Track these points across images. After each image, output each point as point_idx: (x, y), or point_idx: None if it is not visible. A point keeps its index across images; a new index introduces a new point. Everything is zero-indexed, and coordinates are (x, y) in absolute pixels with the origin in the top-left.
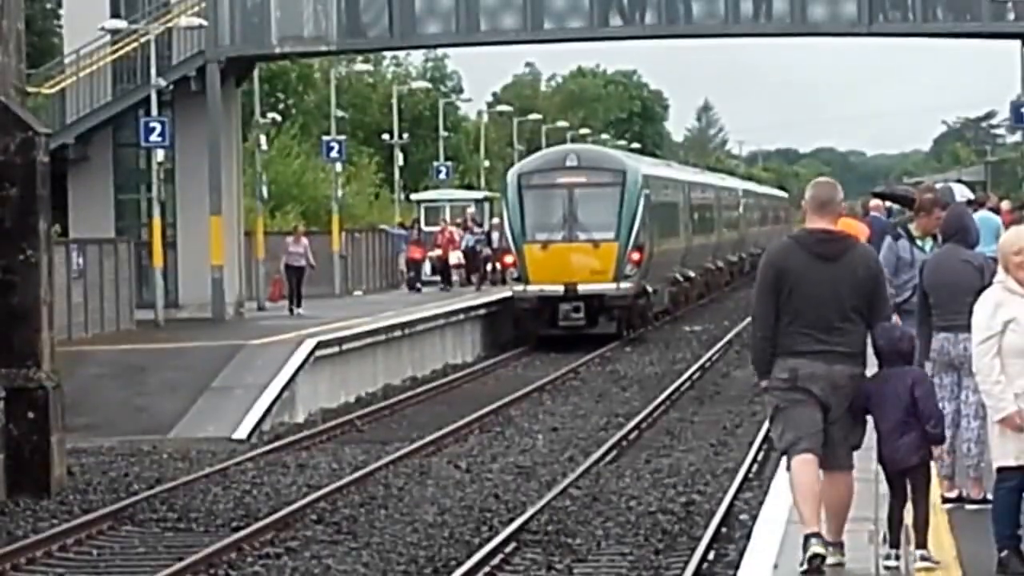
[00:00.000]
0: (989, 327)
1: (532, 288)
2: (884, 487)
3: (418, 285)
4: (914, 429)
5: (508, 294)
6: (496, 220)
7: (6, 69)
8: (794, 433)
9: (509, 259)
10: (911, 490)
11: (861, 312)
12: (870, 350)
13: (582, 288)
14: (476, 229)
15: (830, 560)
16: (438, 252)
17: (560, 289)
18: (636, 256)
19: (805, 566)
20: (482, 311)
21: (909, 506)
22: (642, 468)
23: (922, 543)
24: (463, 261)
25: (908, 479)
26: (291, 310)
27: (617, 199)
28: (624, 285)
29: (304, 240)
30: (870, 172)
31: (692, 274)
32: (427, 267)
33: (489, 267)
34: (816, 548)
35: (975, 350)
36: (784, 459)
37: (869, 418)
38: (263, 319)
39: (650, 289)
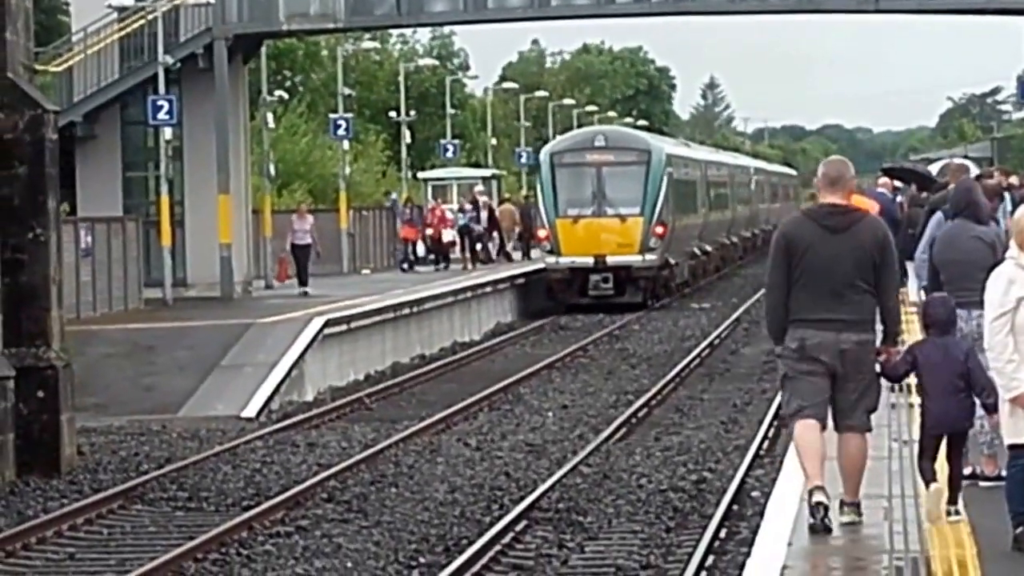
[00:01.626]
0: (1002, 304)
1: (564, 260)
2: (895, 464)
3: (408, 265)
4: (965, 395)
5: (540, 266)
6: (484, 198)
7: (14, 47)
8: (799, 402)
9: (542, 233)
10: (949, 450)
11: (868, 281)
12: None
13: (610, 260)
14: (467, 207)
15: (846, 519)
16: (431, 231)
17: (590, 261)
18: (660, 230)
19: (810, 519)
20: (519, 280)
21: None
22: (652, 446)
23: (954, 499)
24: (457, 239)
25: (948, 440)
26: (304, 291)
27: (642, 177)
28: (649, 257)
29: (309, 218)
30: (876, 149)
31: (709, 248)
32: (420, 247)
33: (479, 246)
34: (819, 497)
35: (987, 327)
36: (789, 423)
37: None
38: (271, 297)
39: (672, 261)
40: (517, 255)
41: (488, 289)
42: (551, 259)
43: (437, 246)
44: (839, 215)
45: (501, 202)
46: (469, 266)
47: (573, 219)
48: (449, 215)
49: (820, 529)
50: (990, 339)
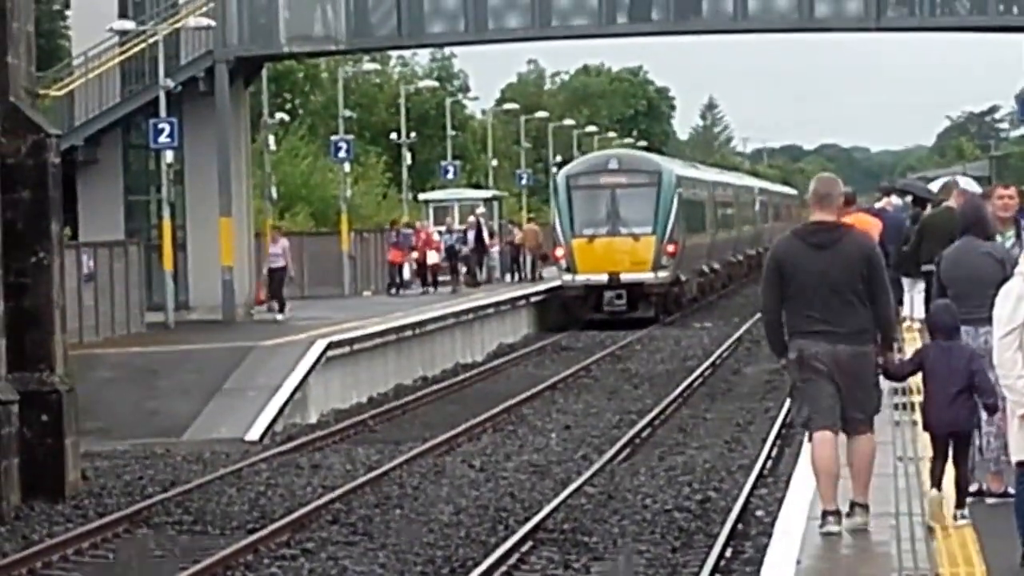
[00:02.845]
0: (1011, 320)
1: (580, 277)
2: (902, 482)
3: (395, 289)
4: (969, 398)
5: (556, 284)
6: (472, 219)
7: (16, 71)
8: (809, 408)
9: (559, 252)
10: (954, 453)
11: (858, 293)
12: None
13: (624, 277)
14: (455, 228)
15: (859, 519)
16: (416, 254)
17: (604, 278)
18: (671, 248)
19: (821, 530)
20: (535, 298)
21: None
22: (656, 466)
23: (961, 503)
24: (442, 263)
25: (953, 442)
26: (276, 319)
27: (654, 198)
28: (661, 274)
29: (282, 241)
30: (874, 168)
31: (717, 266)
32: (407, 270)
33: (464, 269)
34: (831, 527)
35: (996, 344)
36: (806, 434)
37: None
38: (274, 321)
39: (683, 278)
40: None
41: (491, 311)
42: (567, 276)
43: (423, 268)
44: (824, 232)
45: (517, 223)
46: (456, 288)
47: (588, 238)
48: (436, 237)
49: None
50: (999, 356)
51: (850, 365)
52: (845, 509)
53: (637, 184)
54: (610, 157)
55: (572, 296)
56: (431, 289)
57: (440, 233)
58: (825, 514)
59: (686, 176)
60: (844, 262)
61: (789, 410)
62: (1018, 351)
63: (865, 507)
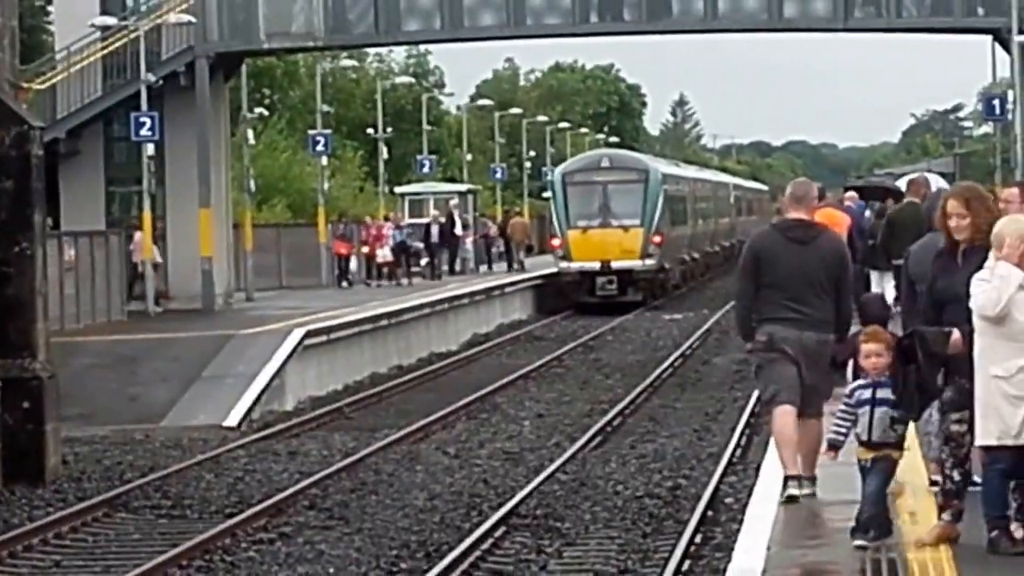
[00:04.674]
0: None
1: (574, 264)
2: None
3: (347, 281)
4: None
5: (552, 270)
6: (435, 211)
7: (0, 65)
8: (775, 386)
9: (556, 242)
10: None
11: (827, 288)
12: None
13: (615, 264)
14: (404, 223)
15: (805, 491)
16: (366, 249)
17: (597, 265)
18: (657, 239)
19: (784, 496)
20: (534, 282)
21: None
22: (627, 453)
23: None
24: (390, 258)
25: None
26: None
27: (642, 193)
28: (648, 262)
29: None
30: (841, 164)
31: (696, 255)
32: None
33: (424, 261)
34: (792, 490)
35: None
36: (768, 408)
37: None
38: (252, 309)
39: (667, 266)
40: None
41: (465, 301)
42: (563, 264)
43: (371, 263)
44: (804, 228)
45: (509, 214)
46: (404, 281)
47: (582, 229)
48: (386, 231)
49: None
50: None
51: (814, 350)
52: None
53: (627, 181)
54: (602, 156)
55: (568, 282)
56: (380, 283)
57: (394, 228)
58: (787, 479)
59: (670, 174)
60: (819, 258)
61: (759, 396)
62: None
63: (812, 479)
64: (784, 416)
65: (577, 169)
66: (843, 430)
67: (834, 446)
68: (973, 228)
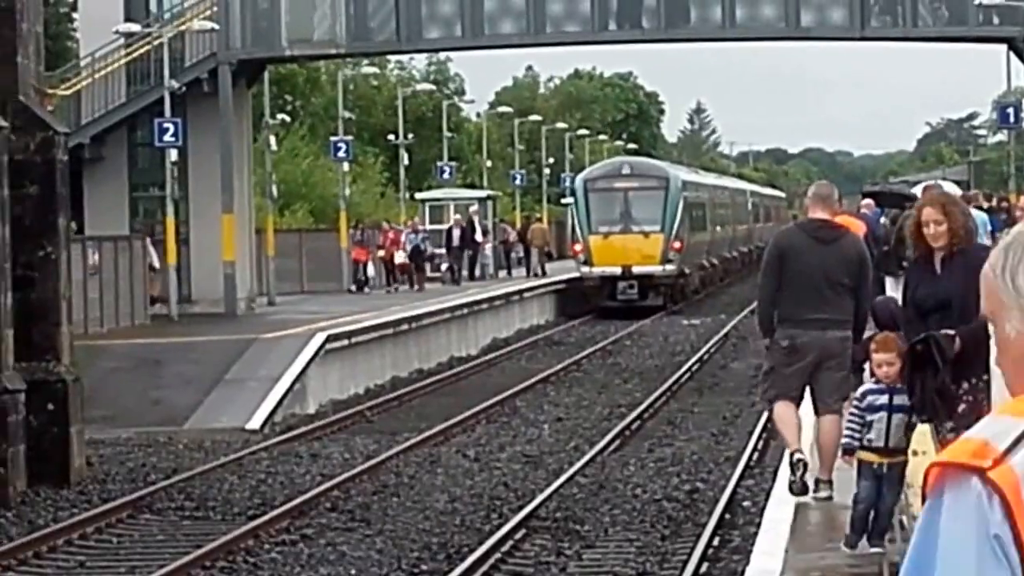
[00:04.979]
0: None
1: (596, 269)
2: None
3: (365, 286)
4: None
5: (573, 275)
6: (457, 216)
7: (26, 71)
8: (776, 391)
9: (578, 247)
10: None
11: (848, 288)
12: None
13: (636, 269)
14: (420, 228)
15: (822, 494)
16: (383, 253)
17: (618, 270)
18: (677, 245)
19: (791, 476)
20: (554, 287)
21: None
22: (646, 457)
23: None
24: (406, 262)
25: None
26: None
27: (662, 199)
28: (668, 267)
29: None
30: (856, 172)
31: (715, 261)
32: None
33: (444, 266)
34: (797, 455)
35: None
36: (769, 404)
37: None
38: (274, 313)
39: (687, 271)
40: (512, 272)
41: (485, 306)
42: (585, 269)
43: (389, 267)
44: (828, 229)
45: (529, 220)
46: (423, 287)
47: (604, 235)
48: (403, 236)
49: (798, 489)
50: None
51: (835, 348)
52: (807, 453)
53: (647, 187)
54: (623, 163)
55: (590, 286)
56: (395, 288)
57: (410, 233)
58: (792, 453)
59: (690, 180)
60: (842, 258)
61: (762, 392)
62: None
63: (829, 482)
64: (784, 407)
65: (599, 176)
66: (856, 434)
67: (850, 451)
68: (950, 234)
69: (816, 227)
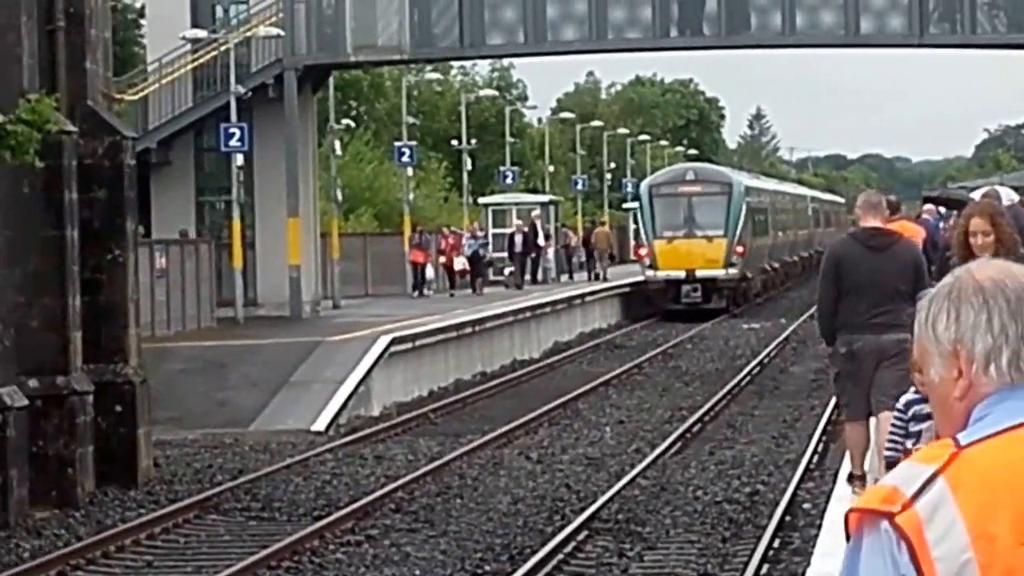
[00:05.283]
0: None
1: (660, 273)
2: None
3: (424, 290)
4: None
5: (637, 279)
6: (519, 222)
7: (94, 77)
8: (848, 396)
9: (643, 251)
10: None
11: (904, 293)
12: None
13: (699, 273)
14: (479, 233)
15: None
16: (443, 258)
17: (682, 274)
18: (740, 249)
19: (850, 487)
20: (616, 291)
21: None
22: (706, 459)
23: None
24: (468, 267)
25: None
26: None
27: (725, 204)
28: (731, 271)
29: None
30: (915, 177)
31: (776, 265)
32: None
33: (507, 271)
34: (856, 484)
35: None
36: (845, 414)
37: None
38: (338, 316)
39: (749, 275)
40: (574, 276)
41: (547, 309)
42: (650, 272)
43: (449, 272)
44: (881, 236)
45: (593, 225)
46: (482, 291)
47: (668, 239)
48: (463, 243)
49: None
50: None
51: (892, 349)
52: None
53: (711, 193)
54: (687, 169)
55: (654, 289)
56: (454, 292)
57: (469, 238)
58: (852, 477)
59: (752, 186)
60: (897, 264)
61: (836, 400)
62: None
63: None
64: (856, 427)
65: (664, 182)
66: (899, 447)
67: (893, 464)
68: (997, 245)
69: (869, 235)
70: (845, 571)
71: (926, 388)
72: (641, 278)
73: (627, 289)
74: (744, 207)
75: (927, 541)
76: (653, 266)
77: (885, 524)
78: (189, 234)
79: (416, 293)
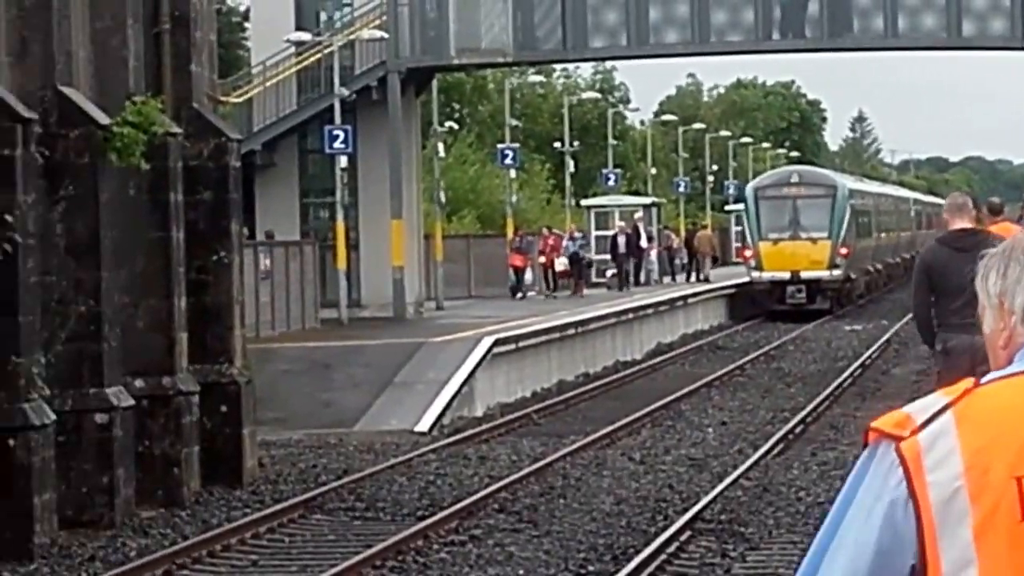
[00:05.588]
0: None
1: (766, 274)
2: None
3: (521, 292)
4: None
5: (742, 280)
6: (622, 223)
7: (199, 79)
8: None
9: (748, 253)
10: None
11: None
12: None
13: (804, 275)
14: (578, 235)
15: None
16: (543, 259)
17: (787, 275)
18: (844, 251)
19: None
20: (718, 293)
21: None
22: (809, 460)
23: None
24: (568, 268)
25: None
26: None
27: (829, 207)
28: (835, 272)
29: None
30: (1017, 179)
31: (879, 266)
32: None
33: (609, 273)
34: None
35: None
36: None
37: None
38: (442, 318)
39: (853, 276)
40: (676, 278)
41: (649, 311)
42: (755, 273)
43: (549, 273)
44: (967, 237)
45: (696, 227)
46: (582, 292)
47: (773, 241)
48: (563, 244)
49: None
50: None
51: (986, 354)
52: None
53: (815, 195)
54: (792, 172)
55: (760, 290)
56: (555, 294)
57: (568, 239)
58: None
59: (856, 189)
60: None
61: None
62: None
63: None
64: None
65: (769, 184)
66: None
67: None
68: None
69: (955, 237)
70: (851, 481)
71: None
72: (745, 279)
73: (730, 291)
74: (848, 209)
75: (924, 467)
76: (758, 267)
77: (892, 448)
78: (275, 235)
79: (518, 296)
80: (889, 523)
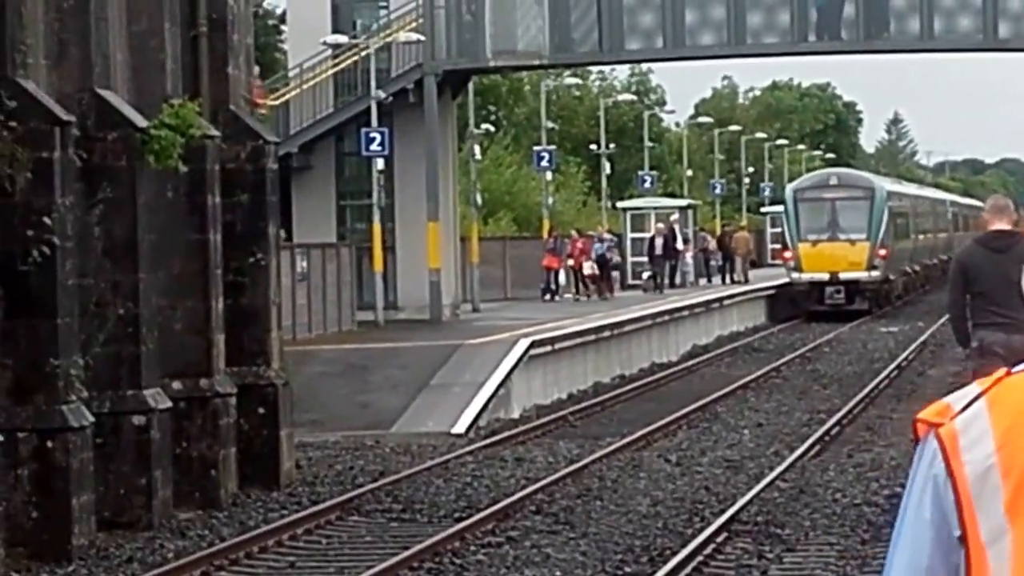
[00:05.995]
0: None
1: (805, 275)
2: None
3: (547, 294)
4: None
5: (782, 281)
6: (660, 225)
7: (236, 82)
8: None
9: (787, 254)
10: None
11: None
12: None
13: (842, 276)
14: (606, 236)
15: None
16: (572, 262)
17: (826, 276)
18: (882, 252)
19: None
20: (755, 295)
21: None
22: (845, 462)
23: None
24: (596, 271)
25: None
26: None
27: (868, 209)
28: (874, 274)
29: None
30: None
31: (917, 268)
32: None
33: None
34: None
35: None
36: None
37: None
38: (478, 320)
39: (891, 277)
40: (712, 280)
41: (685, 313)
42: (795, 274)
43: (578, 276)
44: (1003, 238)
45: (732, 229)
46: (608, 295)
47: (812, 242)
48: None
49: None
50: None
51: (1022, 352)
52: None
53: (854, 197)
54: (831, 175)
55: (799, 291)
56: (581, 297)
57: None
58: None
59: (894, 191)
60: (1018, 262)
61: None
62: None
63: None
64: None
65: (808, 186)
66: None
67: None
68: None
69: (992, 238)
70: (911, 472)
71: None
72: (784, 280)
73: (767, 292)
74: (886, 211)
75: (959, 448)
76: (797, 268)
77: (932, 435)
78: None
79: (547, 298)
80: (935, 500)
